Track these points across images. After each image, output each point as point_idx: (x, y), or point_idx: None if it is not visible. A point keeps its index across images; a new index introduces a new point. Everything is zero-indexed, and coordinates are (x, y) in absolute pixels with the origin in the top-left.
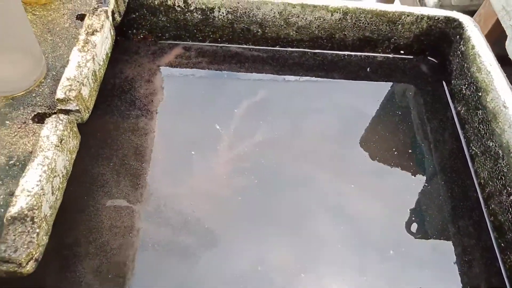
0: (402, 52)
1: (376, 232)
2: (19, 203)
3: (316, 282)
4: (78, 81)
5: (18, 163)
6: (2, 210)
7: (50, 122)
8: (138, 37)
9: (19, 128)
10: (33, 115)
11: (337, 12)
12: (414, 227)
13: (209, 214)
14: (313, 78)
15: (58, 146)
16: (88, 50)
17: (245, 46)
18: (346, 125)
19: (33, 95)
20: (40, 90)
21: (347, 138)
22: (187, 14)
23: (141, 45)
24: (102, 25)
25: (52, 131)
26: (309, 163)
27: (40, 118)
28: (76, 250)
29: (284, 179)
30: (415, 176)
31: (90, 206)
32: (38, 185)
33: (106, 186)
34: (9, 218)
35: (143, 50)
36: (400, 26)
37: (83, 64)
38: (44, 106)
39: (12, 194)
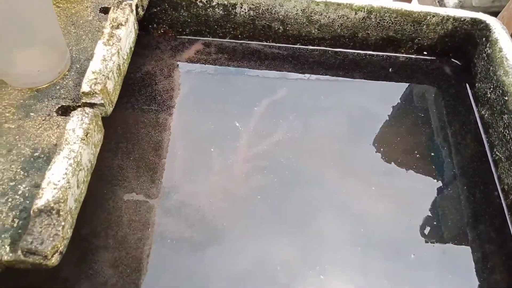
0: (425, 53)
1: (388, 233)
2: (46, 196)
3: (327, 282)
4: (103, 75)
5: (42, 155)
6: (28, 202)
7: (75, 115)
8: (158, 32)
9: (43, 120)
10: (57, 107)
11: (361, 11)
12: (429, 230)
13: (227, 212)
14: (334, 78)
15: (84, 139)
16: (113, 43)
17: (265, 43)
18: (365, 125)
19: (57, 87)
20: (64, 82)
21: (364, 138)
22: (208, 10)
23: (161, 40)
24: (127, 19)
25: (77, 124)
26: (328, 162)
27: (64, 111)
28: (95, 243)
29: (303, 179)
30: (432, 178)
31: (110, 199)
32: (64, 178)
33: (125, 181)
34: (36, 210)
35: (163, 45)
36: (424, 26)
37: (108, 58)
38: (68, 99)
39: (37, 186)
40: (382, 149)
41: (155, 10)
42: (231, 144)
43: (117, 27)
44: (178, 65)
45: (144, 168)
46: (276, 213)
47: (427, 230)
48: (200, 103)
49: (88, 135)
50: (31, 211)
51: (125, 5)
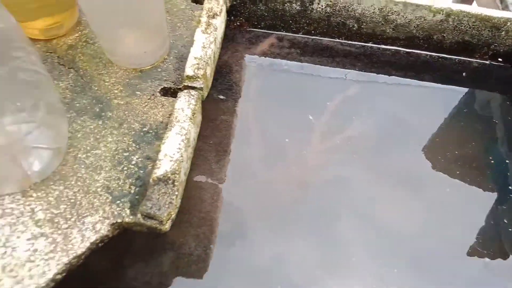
0: (500, 60)
1: (448, 242)
2: (164, 167)
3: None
4: (204, 61)
5: (151, 131)
6: (142, 171)
7: (183, 96)
8: (234, 24)
9: (148, 99)
10: (159, 88)
11: (439, 13)
12: (487, 243)
13: (302, 201)
14: (405, 79)
15: (192, 118)
16: (210, 32)
17: (337, 40)
18: (432, 129)
19: (159, 70)
20: (165, 66)
21: (424, 143)
22: (286, 5)
23: (236, 32)
24: (221, 9)
25: (185, 104)
26: (398, 163)
27: (165, 92)
28: (180, 217)
29: (375, 176)
30: (484, 191)
31: (192, 178)
32: (178, 152)
33: (206, 163)
34: (155, 178)
35: (238, 37)
36: (503, 32)
37: (207, 45)
38: (170, 81)
39: (148, 158)
40: (450, 154)
41: (234, 2)
42: (305, 136)
43: (213, 17)
44: (253, 57)
45: (222, 153)
46: (350, 206)
47: (486, 243)
48: (273, 95)
49: (194, 115)
50: (151, 179)
51: None
